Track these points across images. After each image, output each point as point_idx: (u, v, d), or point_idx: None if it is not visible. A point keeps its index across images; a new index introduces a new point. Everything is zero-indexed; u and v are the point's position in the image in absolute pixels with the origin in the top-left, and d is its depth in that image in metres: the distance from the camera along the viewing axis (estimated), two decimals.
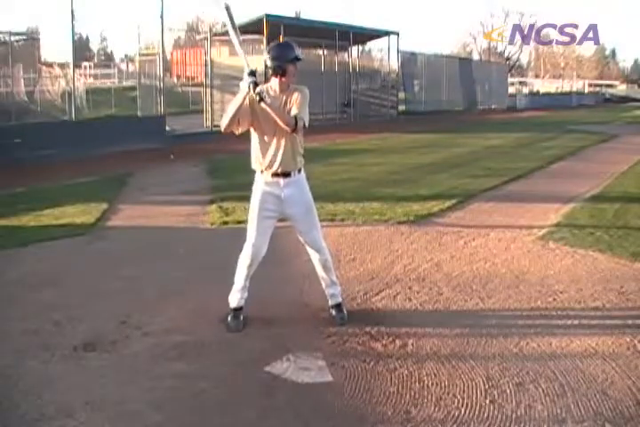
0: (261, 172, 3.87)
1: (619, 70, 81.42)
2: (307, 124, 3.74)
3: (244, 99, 3.64)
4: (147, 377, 3.33)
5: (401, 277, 4.96)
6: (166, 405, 3.06)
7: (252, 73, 3.59)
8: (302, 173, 3.94)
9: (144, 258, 5.60)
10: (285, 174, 3.83)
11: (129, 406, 3.05)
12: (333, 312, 4.10)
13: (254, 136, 3.85)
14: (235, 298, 4.04)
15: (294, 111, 3.69)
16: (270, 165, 3.81)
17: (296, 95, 3.75)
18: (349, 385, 3.26)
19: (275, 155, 3.80)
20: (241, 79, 3.63)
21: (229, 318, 4.01)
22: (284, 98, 3.77)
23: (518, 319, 4.13)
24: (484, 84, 37.54)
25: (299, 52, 3.78)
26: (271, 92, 3.74)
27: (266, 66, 3.83)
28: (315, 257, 4.04)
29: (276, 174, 3.83)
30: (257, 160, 3.87)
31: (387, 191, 8.74)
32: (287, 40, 4.08)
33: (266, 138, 3.79)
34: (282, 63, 3.71)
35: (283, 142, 3.78)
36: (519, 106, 40.29)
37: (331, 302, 4.13)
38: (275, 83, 3.80)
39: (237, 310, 4.03)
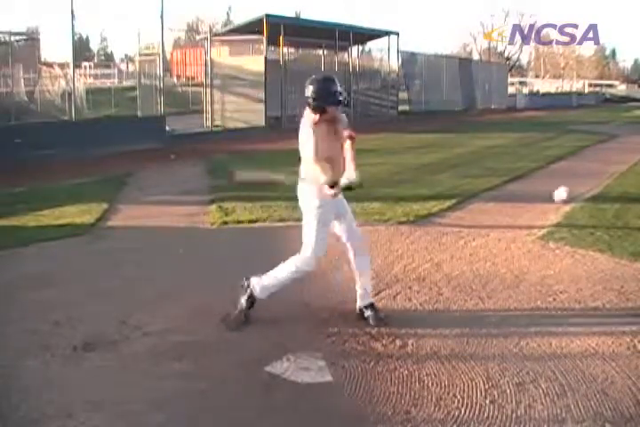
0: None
1: (618, 70, 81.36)
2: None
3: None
4: (147, 377, 3.33)
5: (401, 278, 4.96)
6: (166, 405, 3.06)
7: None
8: None
9: (144, 258, 5.60)
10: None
11: (129, 406, 3.05)
12: (368, 312, 4.06)
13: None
14: (267, 292, 4.01)
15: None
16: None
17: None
18: (349, 385, 3.26)
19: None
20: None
21: (245, 307, 4.01)
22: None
23: (518, 319, 4.12)
24: (484, 84, 37.46)
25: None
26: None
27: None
28: (359, 252, 4.08)
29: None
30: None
31: (387, 191, 8.72)
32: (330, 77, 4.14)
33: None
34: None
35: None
36: (519, 106, 40.21)
37: (364, 303, 4.10)
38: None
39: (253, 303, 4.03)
